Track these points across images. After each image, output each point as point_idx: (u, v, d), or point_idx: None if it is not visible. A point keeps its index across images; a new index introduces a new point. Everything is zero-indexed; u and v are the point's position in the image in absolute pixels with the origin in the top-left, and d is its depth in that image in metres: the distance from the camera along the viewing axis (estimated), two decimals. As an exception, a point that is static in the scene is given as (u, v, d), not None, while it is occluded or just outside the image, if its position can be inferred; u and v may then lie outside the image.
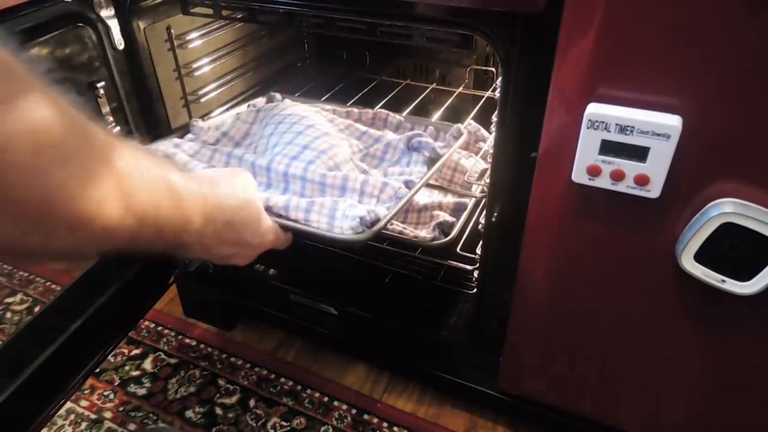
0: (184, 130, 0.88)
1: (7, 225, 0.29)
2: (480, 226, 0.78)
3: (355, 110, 0.96)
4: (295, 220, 0.66)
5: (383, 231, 0.78)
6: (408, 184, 0.72)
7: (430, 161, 0.80)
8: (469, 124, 0.95)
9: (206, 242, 0.49)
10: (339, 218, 0.64)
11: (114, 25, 0.74)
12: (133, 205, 0.36)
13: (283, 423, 0.91)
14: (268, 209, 0.66)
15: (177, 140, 0.83)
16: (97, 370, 0.99)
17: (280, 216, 0.67)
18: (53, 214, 0.30)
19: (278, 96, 0.98)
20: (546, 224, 0.61)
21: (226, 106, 1.01)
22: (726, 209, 0.49)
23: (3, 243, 0.30)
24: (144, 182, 0.38)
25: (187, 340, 1.06)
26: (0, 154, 0.26)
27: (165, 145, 0.81)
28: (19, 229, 0.30)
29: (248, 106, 0.95)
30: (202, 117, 0.93)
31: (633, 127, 0.47)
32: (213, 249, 0.51)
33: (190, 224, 0.45)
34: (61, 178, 0.30)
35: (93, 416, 0.93)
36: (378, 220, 0.65)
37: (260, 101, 0.96)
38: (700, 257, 0.52)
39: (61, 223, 0.31)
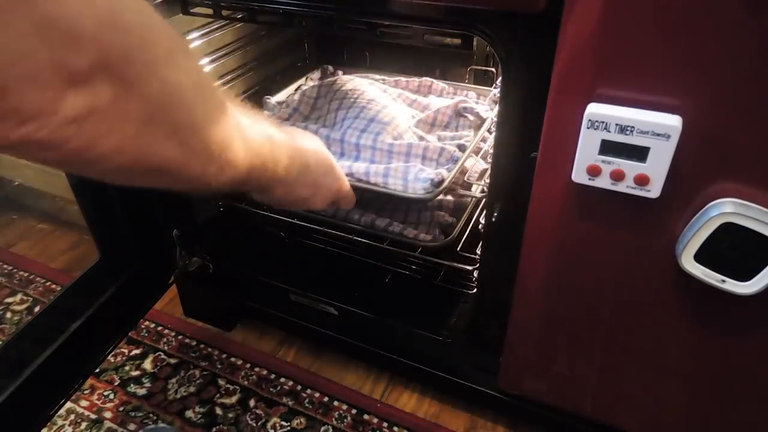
0: (257, 109, 0.97)
1: (187, 151, 0.38)
2: (480, 226, 0.78)
3: (403, 79, 1.07)
4: (375, 184, 0.79)
5: (384, 231, 0.85)
6: (461, 148, 0.84)
7: (475, 125, 0.92)
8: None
9: (290, 181, 0.58)
10: (411, 180, 0.77)
11: (114, 25, 0.74)
12: (249, 144, 0.46)
13: (283, 423, 0.91)
14: (350, 175, 0.79)
15: None
16: (97, 370, 0.99)
17: (360, 180, 0.80)
18: (209, 139, 0.40)
19: (330, 68, 1.11)
20: (546, 224, 0.61)
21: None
22: (726, 209, 0.49)
23: (181, 168, 0.39)
24: (252, 127, 0.47)
25: (187, 340, 1.06)
26: (175, 91, 0.35)
27: None
28: (190, 153, 0.38)
29: (306, 79, 1.09)
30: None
31: (633, 127, 0.47)
32: (295, 189, 0.60)
33: (280, 163, 0.54)
34: (212, 111, 0.40)
35: (93, 416, 0.93)
36: (443, 180, 0.77)
37: (316, 75, 1.10)
38: (700, 257, 0.52)
39: (216, 146, 0.40)
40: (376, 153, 0.85)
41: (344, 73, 1.10)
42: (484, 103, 0.98)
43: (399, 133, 0.88)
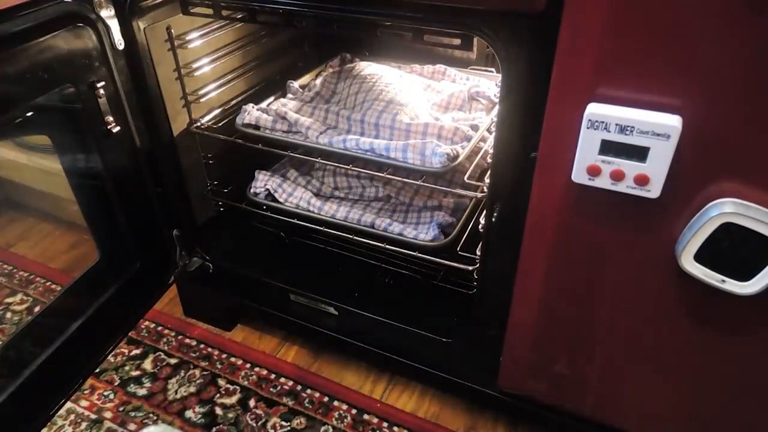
0: (283, 91, 1.05)
1: None
2: (480, 226, 0.78)
3: (417, 66, 1.12)
4: (395, 159, 0.83)
5: (384, 231, 0.87)
6: (474, 128, 0.88)
7: (487, 108, 0.97)
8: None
9: None
10: (429, 156, 0.80)
11: (114, 25, 0.74)
12: None
13: (283, 423, 0.91)
14: (371, 151, 0.83)
15: (284, 100, 1.02)
16: (97, 370, 0.99)
17: (380, 156, 0.83)
18: None
19: (348, 56, 1.16)
20: (546, 224, 0.61)
21: (226, 106, 1.01)
22: (726, 209, 0.49)
23: None
24: None
25: (187, 340, 1.06)
26: None
27: (276, 105, 0.98)
28: None
29: (326, 65, 1.13)
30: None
31: (633, 127, 0.47)
32: None
33: None
34: None
35: (93, 416, 0.93)
36: (458, 155, 0.81)
37: (335, 62, 1.15)
38: (700, 257, 0.52)
39: None
40: (394, 132, 0.89)
41: (361, 61, 1.13)
42: (496, 89, 1.01)
43: (416, 114, 0.92)
